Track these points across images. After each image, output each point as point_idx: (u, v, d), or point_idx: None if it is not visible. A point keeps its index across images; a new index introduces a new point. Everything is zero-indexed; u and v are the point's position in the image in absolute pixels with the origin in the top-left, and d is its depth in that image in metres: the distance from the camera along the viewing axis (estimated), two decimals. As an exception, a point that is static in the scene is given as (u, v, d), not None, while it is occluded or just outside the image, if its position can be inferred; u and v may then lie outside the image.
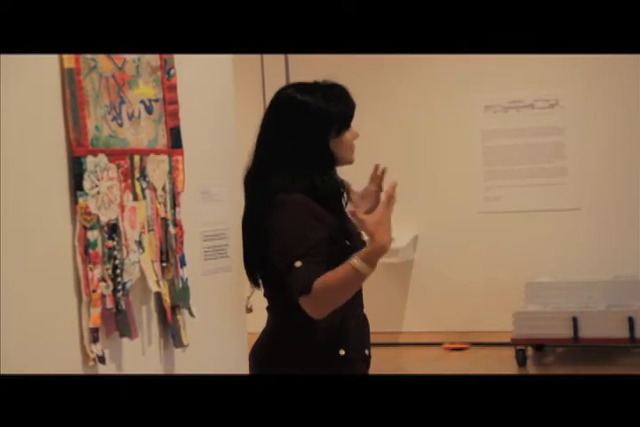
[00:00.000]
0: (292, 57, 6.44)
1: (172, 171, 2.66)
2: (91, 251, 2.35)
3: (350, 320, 2.55)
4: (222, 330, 2.94)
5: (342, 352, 2.51)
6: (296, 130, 2.53)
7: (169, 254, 2.63)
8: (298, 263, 2.40)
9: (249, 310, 3.28)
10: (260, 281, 2.68)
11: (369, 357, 2.61)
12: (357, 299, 2.60)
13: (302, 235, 2.43)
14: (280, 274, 2.47)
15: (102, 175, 2.40)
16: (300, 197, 2.47)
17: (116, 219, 2.43)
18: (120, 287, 2.43)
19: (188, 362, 2.70)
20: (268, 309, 2.55)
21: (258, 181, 2.55)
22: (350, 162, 2.64)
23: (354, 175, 2.79)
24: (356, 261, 2.39)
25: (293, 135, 2.53)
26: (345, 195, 2.60)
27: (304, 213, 2.46)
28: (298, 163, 2.51)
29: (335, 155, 2.56)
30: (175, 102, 2.70)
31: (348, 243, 2.51)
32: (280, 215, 2.46)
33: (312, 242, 2.42)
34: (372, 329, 2.76)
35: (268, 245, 2.52)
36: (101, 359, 2.37)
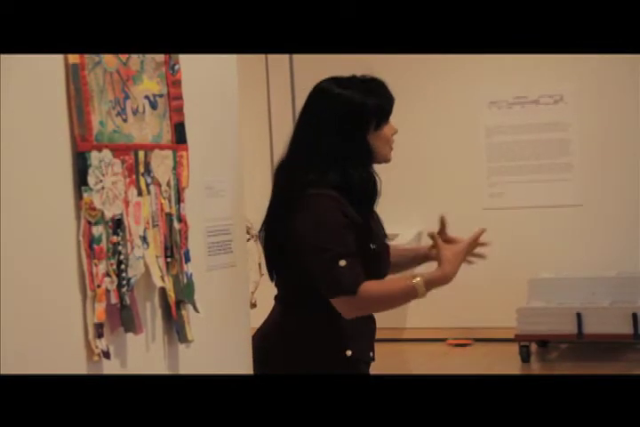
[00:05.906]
0: (296, 55, 6.43)
1: (176, 166, 2.67)
2: (95, 246, 2.36)
3: (362, 322, 2.54)
4: (226, 326, 2.94)
5: (349, 353, 2.50)
6: (333, 123, 2.46)
7: (173, 250, 2.63)
8: (342, 262, 2.35)
9: (253, 306, 3.28)
10: (275, 272, 2.63)
11: (372, 359, 2.59)
12: None
13: (340, 233, 2.38)
14: (315, 269, 2.41)
15: (107, 171, 2.40)
16: (331, 193, 2.42)
17: (121, 214, 2.44)
18: (125, 283, 2.43)
19: (193, 357, 2.70)
20: (276, 298, 2.52)
21: (290, 175, 2.50)
22: (387, 160, 2.59)
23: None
24: (419, 281, 2.37)
25: (330, 129, 2.46)
26: (378, 194, 2.54)
27: (337, 211, 2.41)
28: (334, 157, 2.45)
29: (374, 150, 2.52)
30: (180, 98, 2.69)
31: (372, 246, 2.47)
32: (312, 211, 2.41)
33: (351, 241, 2.39)
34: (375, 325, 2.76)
35: (291, 238, 2.48)
36: (106, 355, 2.37)
